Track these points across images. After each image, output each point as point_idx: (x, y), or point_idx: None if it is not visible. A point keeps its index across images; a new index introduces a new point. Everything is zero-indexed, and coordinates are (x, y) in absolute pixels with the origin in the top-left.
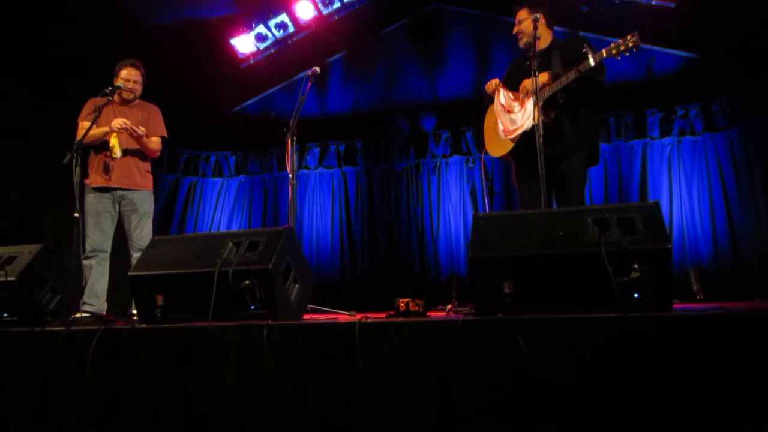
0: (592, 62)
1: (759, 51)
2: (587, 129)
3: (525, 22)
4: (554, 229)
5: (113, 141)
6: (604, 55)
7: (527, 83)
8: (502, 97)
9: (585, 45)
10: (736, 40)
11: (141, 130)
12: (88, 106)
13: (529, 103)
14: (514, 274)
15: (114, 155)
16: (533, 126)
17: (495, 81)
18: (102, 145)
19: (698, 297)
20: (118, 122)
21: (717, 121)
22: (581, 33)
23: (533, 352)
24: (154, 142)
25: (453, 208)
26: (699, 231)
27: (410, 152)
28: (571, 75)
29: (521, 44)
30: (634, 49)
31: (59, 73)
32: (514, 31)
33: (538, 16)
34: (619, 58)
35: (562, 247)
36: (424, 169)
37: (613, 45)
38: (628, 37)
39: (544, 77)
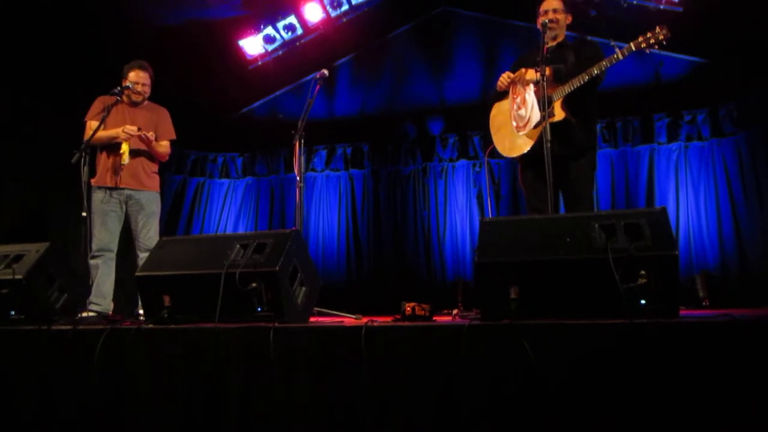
0: (620, 55)
1: (766, 56)
2: (594, 129)
3: (559, 13)
4: (561, 234)
5: (124, 147)
6: (633, 48)
7: (523, 72)
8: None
9: (613, 42)
10: (744, 44)
11: (151, 134)
12: (97, 105)
13: (528, 95)
14: (520, 280)
15: (123, 161)
16: (543, 118)
17: (508, 74)
18: (111, 146)
19: (705, 303)
20: (128, 130)
21: (724, 127)
22: (589, 37)
23: (539, 358)
24: (164, 146)
25: (459, 212)
26: (706, 237)
27: (417, 156)
28: (596, 70)
29: (547, 37)
30: (664, 42)
31: (67, 73)
32: (544, 19)
33: (560, 18)
34: (648, 52)
35: (568, 253)
36: (431, 173)
37: (641, 38)
38: (657, 30)
39: (532, 74)
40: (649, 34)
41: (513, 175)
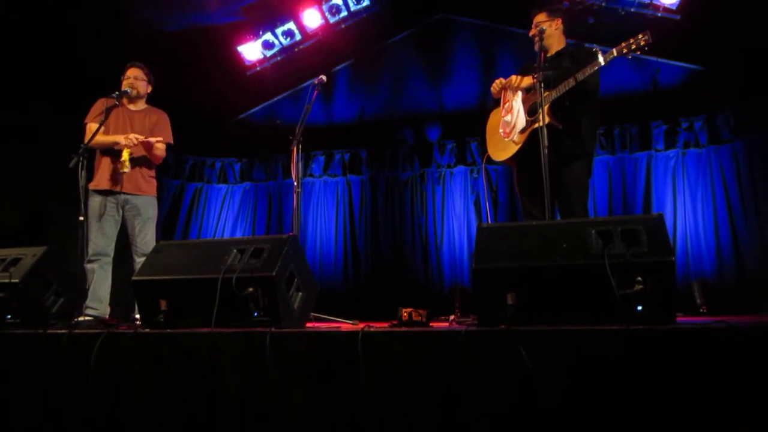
0: (602, 61)
1: (764, 63)
2: (588, 136)
3: (544, 24)
4: (558, 240)
5: (125, 155)
6: (615, 53)
7: (512, 79)
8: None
9: (595, 47)
10: (741, 52)
11: (155, 139)
12: (98, 106)
13: (515, 102)
14: (517, 285)
15: (123, 169)
16: (530, 126)
17: (500, 81)
18: (110, 150)
19: (702, 310)
20: (131, 138)
21: (722, 134)
22: (587, 44)
23: (536, 364)
24: (159, 149)
25: (457, 218)
26: (703, 244)
27: (415, 162)
28: (580, 76)
29: (537, 47)
30: (646, 48)
31: (66, 77)
32: (531, 34)
33: (545, 27)
34: (630, 57)
35: (565, 259)
36: (429, 179)
37: (624, 44)
38: (640, 36)
39: (527, 81)
40: (631, 40)
41: (510, 181)
